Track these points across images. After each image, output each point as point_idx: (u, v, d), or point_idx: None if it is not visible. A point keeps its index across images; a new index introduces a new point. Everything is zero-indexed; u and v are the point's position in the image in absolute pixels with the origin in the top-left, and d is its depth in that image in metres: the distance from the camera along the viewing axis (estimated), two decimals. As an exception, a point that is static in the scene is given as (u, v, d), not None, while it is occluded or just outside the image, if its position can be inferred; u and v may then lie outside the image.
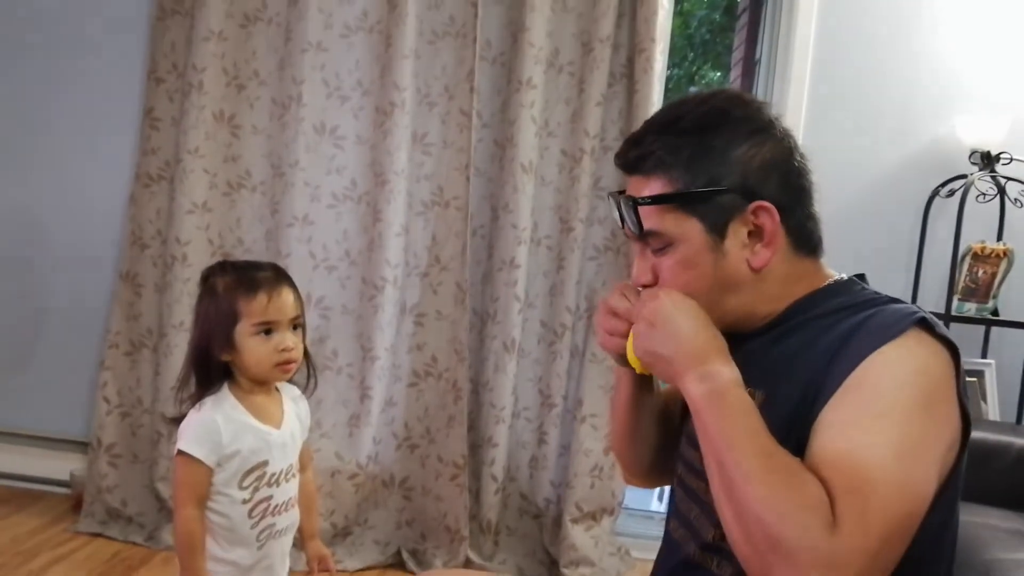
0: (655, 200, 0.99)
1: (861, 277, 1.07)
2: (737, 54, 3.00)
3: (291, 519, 1.50)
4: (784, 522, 0.81)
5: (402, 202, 2.48)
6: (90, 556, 2.38)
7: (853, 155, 2.60)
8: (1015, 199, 2.50)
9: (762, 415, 0.91)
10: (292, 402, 1.53)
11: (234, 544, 1.44)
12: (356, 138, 2.52)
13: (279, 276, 1.45)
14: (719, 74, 6.13)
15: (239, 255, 2.57)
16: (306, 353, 1.49)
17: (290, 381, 1.53)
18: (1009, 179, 2.48)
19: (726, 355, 0.94)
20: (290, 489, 1.49)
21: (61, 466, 2.70)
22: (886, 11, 2.59)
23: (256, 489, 1.43)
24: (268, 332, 1.40)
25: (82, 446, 2.67)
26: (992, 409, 2.51)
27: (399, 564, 2.51)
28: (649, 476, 1.25)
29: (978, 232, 2.51)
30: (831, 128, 2.61)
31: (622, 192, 1.04)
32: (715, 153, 0.98)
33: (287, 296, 1.43)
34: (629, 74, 2.48)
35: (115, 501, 2.55)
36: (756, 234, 0.98)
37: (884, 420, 0.85)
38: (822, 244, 1.04)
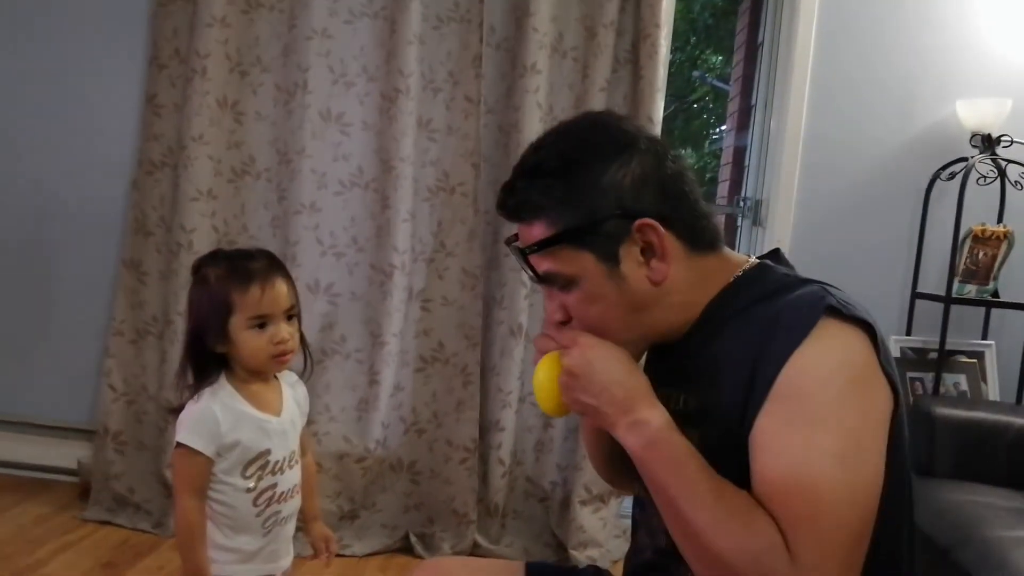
0: (541, 245, 0.99)
1: (775, 254, 1.08)
2: (740, 38, 3.01)
3: (295, 505, 1.49)
4: (744, 563, 0.84)
5: (408, 188, 2.49)
6: (98, 543, 2.39)
7: (855, 138, 2.62)
8: (1015, 182, 2.52)
9: (700, 419, 0.94)
10: (290, 388, 1.51)
11: (239, 532, 1.43)
12: (362, 124, 2.52)
13: (272, 266, 1.42)
14: (720, 58, 6.14)
15: (245, 242, 2.57)
16: (302, 339, 1.47)
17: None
18: (1010, 161, 2.50)
19: (651, 398, 0.96)
20: (294, 476, 1.48)
21: (68, 454, 2.71)
22: (888, -5, 2.61)
23: (260, 478, 1.42)
24: (263, 325, 1.38)
25: (88, 434, 2.67)
26: (992, 390, 2.54)
27: (407, 548, 2.52)
28: (628, 484, 1.24)
29: (978, 215, 2.53)
30: (833, 112, 2.63)
31: (515, 238, 1.05)
32: (585, 185, 0.97)
33: (280, 287, 1.40)
34: (634, 59, 2.48)
35: (122, 488, 2.56)
36: (648, 250, 0.98)
37: (819, 427, 0.86)
38: (720, 235, 1.04)
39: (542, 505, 2.60)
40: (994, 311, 2.61)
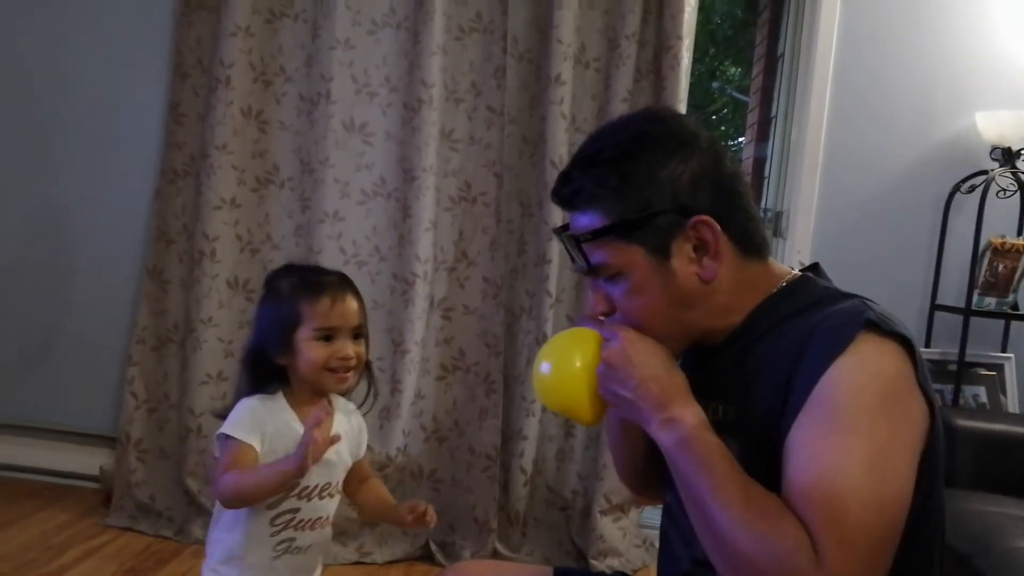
0: (595, 235, 1.00)
1: (815, 267, 1.09)
2: (759, 49, 3.03)
3: (315, 539, 1.41)
4: (773, 567, 0.84)
5: (431, 198, 2.50)
6: (120, 550, 2.40)
7: (874, 150, 2.63)
8: (1035, 195, 2.53)
9: (735, 430, 0.95)
10: (345, 417, 1.45)
11: (249, 548, 1.37)
12: (385, 134, 2.53)
13: (344, 282, 1.40)
14: (739, 69, 6.15)
15: (267, 251, 2.59)
16: (368, 366, 1.42)
17: (346, 396, 1.46)
18: (1030, 175, 2.51)
19: (688, 396, 0.97)
20: (323, 507, 1.41)
21: (90, 461, 2.72)
22: (908, 6, 2.62)
23: (284, 498, 1.36)
24: (328, 339, 1.34)
25: (111, 441, 2.68)
26: (1011, 402, 2.55)
27: (427, 556, 2.53)
28: (654, 492, 1.25)
29: (998, 227, 2.54)
30: (852, 123, 2.64)
31: (564, 228, 1.06)
32: (642, 177, 0.98)
33: (351, 303, 1.37)
34: (656, 70, 2.49)
35: (144, 496, 2.57)
36: (701, 248, 0.99)
37: (850, 436, 0.87)
38: (768, 243, 1.06)
39: (563, 514, 2.61)
40: (1013, 323, 2.61)
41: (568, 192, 1.03)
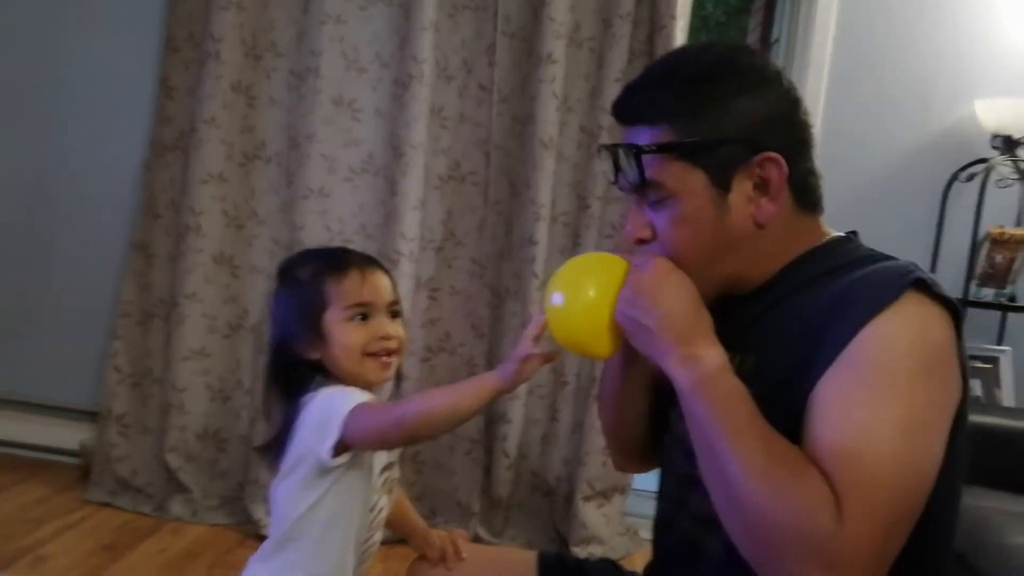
0: (660, 148, 0.94)
1: (854, 234, 1.05)
2: (753, 36, 2.99)
3: (380, 537, 1.26)
4: (792, 520, 0.79)
5: (419, 176, 2.47)
6: (99, 525, 2.38)
7: (872, 138, 2.59)
8: (1035, 185, 2.49)
9: (754, 380, 0.89)
10: None
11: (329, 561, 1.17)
12: (374, 111, 2.50)
13: (371, 259, 1.25)
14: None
15: (253, 227, 2.57)
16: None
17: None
18: (1030, 164, 2.46)
19: (712, 337, 0.92)
20: (393, 498, 1.26)
21: (70, 435, 2.70)
22: (907, -8, 2.58)
23: (384, 496, 1.21)
24: (364, 317, 1.17)
25: (92, 416, 2.66)
26: (1007, 395, 2.50)
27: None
28: (642, 457, 1.21)
29: (997, 217, 2.49)
30: (850, 111, 2.59)
31: (616, 144, 1.00)
32: (720, 102, 0.94)
33: (383, 278, 1.21)
34: (649, 51, 2.46)
35: (124, 471, 2.55)
36: (761, 187, 0.95)
37: (886, 394, 0.82)
38: (822, 202, 1.01)
39: (546, 499, 2.57)
40: (1010, 316, 2.56)
41: (639, 102, 0.98)
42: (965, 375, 0.89)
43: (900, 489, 0.80)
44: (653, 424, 1.16)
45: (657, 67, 1.01)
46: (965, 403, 0.89)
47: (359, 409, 1.08)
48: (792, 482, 0.80)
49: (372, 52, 2.50)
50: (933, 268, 2.56)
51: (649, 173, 0.95)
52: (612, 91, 2.44)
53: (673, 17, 2.40)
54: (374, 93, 2.50)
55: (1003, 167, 2.47)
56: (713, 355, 0.90)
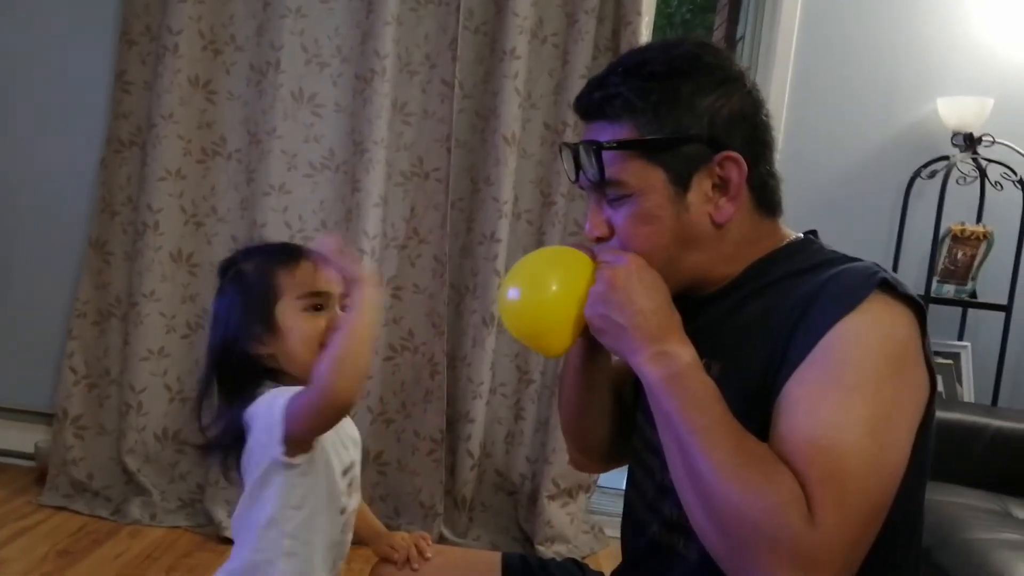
0: (621, 145, 0.94)
1: (813, 234, 1.04)
2: (718, 33, 2.98)
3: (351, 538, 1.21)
4: (762, 518, 0.79)
5: (381, 172, 2.43)
6: (54, 529, 2.33)
7: (836, 135, 2.59)
8: (995, 182, 2.50)
9: (720, 387, 0.88)
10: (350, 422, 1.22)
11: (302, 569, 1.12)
12: (335, 106, 2.46)
13: (317, 252, 1.17)
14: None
15: (212, 225, 2.53)
16: None
17: None
18: (990, 161, 2.47)
19: (683, 335, 0.91)
20: (359, 496, 1.21)
21: (25, 437, 2.64)
22: (871, -10, 2.58)
23: (350, 496, 1.15)
24: (318, 308, 1.12)
25: (47, 417, 2.60)
26: (967, 391, 2.52)
27: (371, 540, 2.48)
28: (601, 456, 1.20)
29: (958, 214, 2.51)
30: (813, 108, 2.59)
31: (575, 144, 0.99)
32: (683, 100, 0.93)
33: (332, 272, 1.15)
34: (614, 47, 2.44)
35: (81, 474, 2.50)
36: (720, 187, 0.95)
37: (854, 394, 0.82)
38: (781, 205, 1.01)
39: (511, 498, 2.56)
40: (971, 312, 2.58)
41: (601, 97, 0.96)
42: (932, 372, 0.89)
43: (870, 486, 0.80)
44: (614, 424, 1.15)
45: (620, 63, 0.99)
46: (932, 401, 0.90)
47: (291, 400, 1.04)
48: (763, 480, 0.80)
49: (333, 46, 2.46)
50: (895, 265, 2.57)
51: (609, 171, 0.94)
52: (577, 87, 2.40)
53: (638, 13, 2.38)
54: (335, 88, 2.46)
55: (964, 164, 2.48)
56: (684, 352, 0.89)
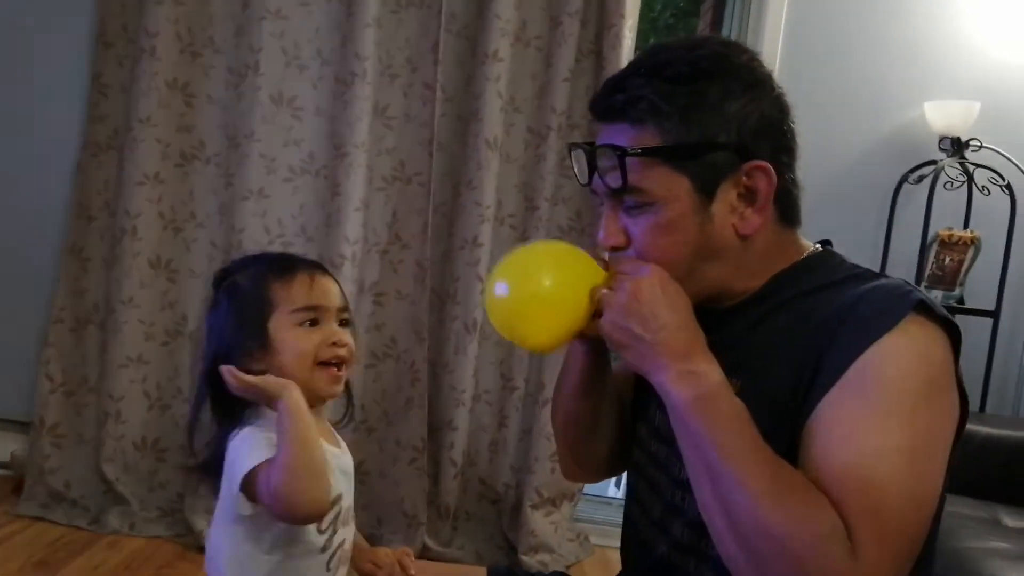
0: (646, 152, 0.88)
1: (827, 243, 1.01)
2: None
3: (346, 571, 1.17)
4: (805, 552, 0.75)
5: (362, 176, 2.40)
6: (31, 540, 2.29)
7: (822, 140, 2.56)
8: (983, 187, 2.48)
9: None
10: (341, 451, 1.16)
11: None
12: (315, 109, 2.43)
13: (318, 264, 1.15)
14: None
15: (191, 230, 2.49)
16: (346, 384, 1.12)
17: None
18: (978, 166, 2.46)
19: (709, 353, 0.87)
20: (352, 527, 1.16)
21: (1, 446, 2.60)
22: (857, -5, 2.56)
23: (334, 532, 1.09)
24: (314, 323, 1.08)
25: (23, 426, 2.56)
26: (955, 397, 2.50)
27: (354, 550, 2.45)
28: (598, 468, 1.16)
29: (945, 219, 2.49)
30: (800, 113, 2.48)
31: (591, 144, 0.94)
32: (711, 104, 0.89)
33: (331, 283, 1.12)
34: (597, 50, 2.41)
35: (58, 483, 2.46)
36: (746, 197, 0.90)
37: (891, 420, 0.80)
38: (800, 215, 0.97)
39: (495, 507, 2.53)
40: (958, 318, 2.56)
41: (622, 100, 0.91)
42: (964, 395, 0.87)
43: (909, 519, 0.78)
44: (614, 435, 1.11)
45: (641, 63, 0.94)
46: (963, 423, 0.87)
47: (257, 474, 0.98)
48: (804, 511, 0.77)
49: (313, 49, 2.43)
50: (883, 270, 2.55)
51: (631, 178, 0.89)
52: (560, 91, 2.40)
53: (622, 16, 2.36)
54: (315, 91, 2.43)
55: (951, 169, 2.46)
56: (712, 372, 0.85)
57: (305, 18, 2.42)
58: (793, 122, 0.95)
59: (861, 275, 0.92)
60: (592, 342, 0.99)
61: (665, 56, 0.92)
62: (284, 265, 1.11)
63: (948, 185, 2.47)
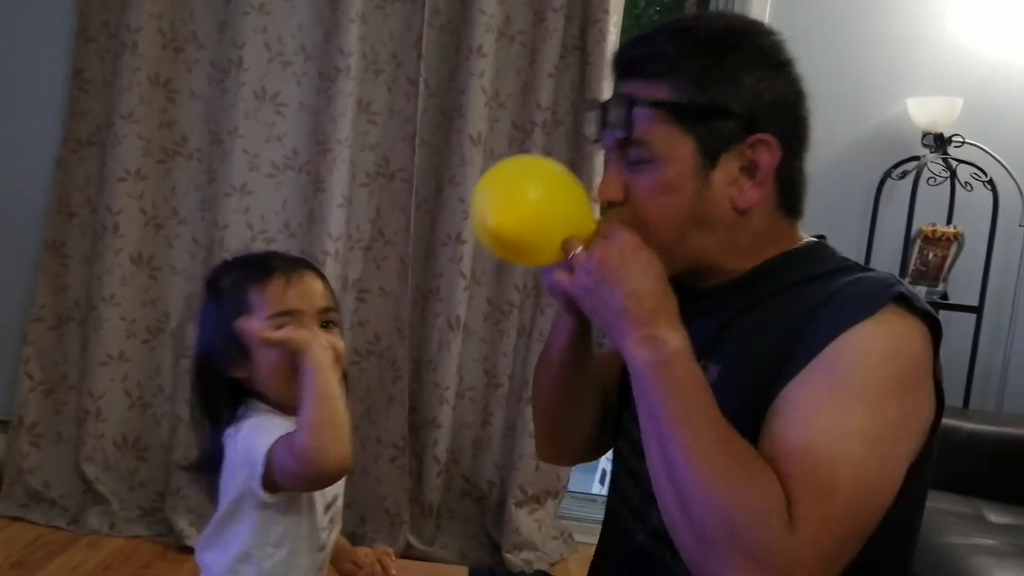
0: (656, 104, 0.89)
1: (821, 239, 1.00)
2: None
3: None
4: (742, 521, 0.75)
5: (345, 172, 2.38)
6: (8, 541, 2.27)
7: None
8: (965, 183, 2.49)
9: (718, 391, 0.84)
10: None
11: None
12: (298, 105, 2.41)
13: (301, 262, 1.11)
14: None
15: (173, 226, 2.47)
16: (344, 376, 1.08)
17: None
18: (960, 162, 2.46)
19: (676, 320, 0.85)
20: (339, 528, 1.15)
21: (-22, 446, 2.56)
22: (841, -9, 2.56)
23: (332, 530, 1.10)
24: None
25: (2, 424, 2.53)
26: (939, 393, 2.50)
27: (337, 549, 2.43)
28: (575, 450, 1.15)
29: (928, 216, 2.49)
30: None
31: (599, 102, 0.95)
32: (728, 71, 0.89)
33: (313, 282, 1.08)
34: (582, 46, 2.41)
35: (37, 483, 2.43)
36: (748, 170, 0.90)
37: (857, 405, 0.79)
38: (803, 209, 0.96)
39: (478, 505, 2.51)
40: (942, 314, 2.56)
41: (644, 53, 0.92)
42: (940, 392, 0.86)
43: (857, 504, 0.77)
44: (595, 415, 1.11)
45: (667, 24, 0.95)
46: (939, 421, 0.86)
47: (276, 450, 0.97)
48: (745, 479, 0.76)
49: (297, 44, 2.41)
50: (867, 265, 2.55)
51: (638, 129, 0.90)
52: (544, 87, 2.39)
53: (606, 12, 2.35)
54: (299, 87, 2.41)
55: (934, 165, 2.47)
56: (675, 338, 0.84)
57: (288, 13, 2.40)
58: (807, 112, 0.94)
59: (850, 267, 0.92)
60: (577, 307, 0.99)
61: (692, 21, 0.96)
62: (260, 268, 1.07)
63: (931, 181, 2.47)
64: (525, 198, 0.91)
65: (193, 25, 2.44)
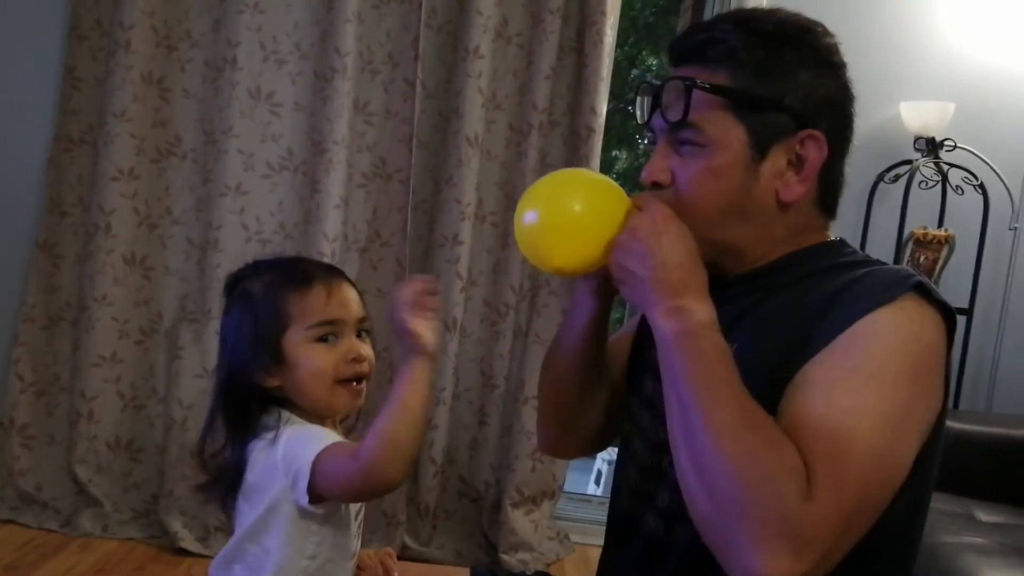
0: (714, 89, 0.90)
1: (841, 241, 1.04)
2: (682, 36, 2.96)
3: None
4: (759, 485, 0.76)
5: (342, 173, 2.38)
6: (0, 544, 2.24)
7: (800, 138, 2.59)
8: (956, 186, 2.51)
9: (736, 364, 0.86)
10: None
11: None
12: (294, 105, 2.40)
13: (335, 270, 1.10)
14: (658, 60, 6.16)
15: (167, 226, 2.45)
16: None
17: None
18: (952, 166, 2.49)
19: (704, 292, 0.88)
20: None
21: (-31, 447, 2.53)
22: (834, -4, 2.58)
23: (359, 540, 1.09)
24: (329, 338, 1.03)
25: (-7, 426, 2.50)
26: (930, 394, 2.53)
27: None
28: (582, 440, 1.16)
29: (920, 219, 2.52)
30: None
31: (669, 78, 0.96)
32: (786, 65, 0.92)
33: (349, 291, 1.07)
34: (579, 48, 2.41)
35: (28, 485, 2.41)
36: (795, 164, 0.92)
37: (872, 384, 0.81)
38: (837, 208, 1.00)
39: (475, 506, 2.52)
40: (933, 315, 2.60)
41: (704, 39, 0.94)
42: (947, 387, 0.88)
43: (871, 477, 0.79)
44: (606, 404, 1.12)
45: (732, 14, 0.99)
46: (943, 415, 0.88)
47: (325, 458, 0.95)
48: (764, 447, 0.78)
49: (292, 43, 2.40)
50: (859, 268, 2.58)
51: (693, 113, 0.91)
52: (541, 88, 2.39)
53: (603, 14, 2.36)
54: (294, 86, 2.40)
55: (926, 168, 2.49)
56: (702, 309, 0.86)
57: (284, 12, 2.39)
58: (854, 114, 0.97)
59: (869, 261, 0.95)
60: (600, 286, 1.01)
61: (754, 12, 0.98)
62: (300, 275, 1.05)
63: (923, 184, 2.50)
64: (587, 238, 0.93)
65: (187, 23, 2.42)
